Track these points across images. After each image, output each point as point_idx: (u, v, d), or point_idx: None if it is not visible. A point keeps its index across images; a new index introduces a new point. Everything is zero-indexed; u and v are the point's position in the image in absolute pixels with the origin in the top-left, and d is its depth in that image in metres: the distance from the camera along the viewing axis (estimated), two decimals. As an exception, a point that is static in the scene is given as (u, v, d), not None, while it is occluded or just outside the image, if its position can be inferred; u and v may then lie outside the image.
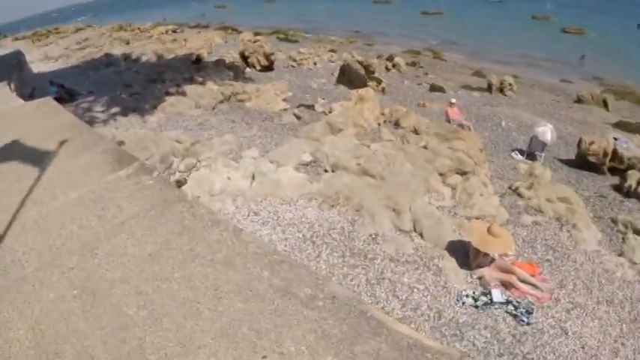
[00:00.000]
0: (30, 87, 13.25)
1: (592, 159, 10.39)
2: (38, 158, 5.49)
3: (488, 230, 5.38)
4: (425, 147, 8.35)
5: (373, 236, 5.83)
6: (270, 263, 3.77)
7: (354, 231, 5.92)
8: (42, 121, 7.13)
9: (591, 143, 10.44)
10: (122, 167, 5.29)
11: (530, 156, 11.09)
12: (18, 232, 4.19)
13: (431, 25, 46.29)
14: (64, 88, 12.89)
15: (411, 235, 6.07)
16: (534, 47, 35.00)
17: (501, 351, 4.29)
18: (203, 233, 4.14)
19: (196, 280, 3.55)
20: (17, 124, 7.07)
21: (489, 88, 19.49)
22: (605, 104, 19.44)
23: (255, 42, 26.01)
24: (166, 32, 36.26)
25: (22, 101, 9.13)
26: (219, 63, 17.61)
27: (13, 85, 11.02)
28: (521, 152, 11.25)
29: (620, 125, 16.05)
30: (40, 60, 25.08)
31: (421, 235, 6.05)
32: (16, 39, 52.26)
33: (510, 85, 19.49)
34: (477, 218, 6.90)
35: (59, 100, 10.20)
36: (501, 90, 19.34)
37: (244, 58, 20.11)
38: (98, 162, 5.32)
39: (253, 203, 6.39)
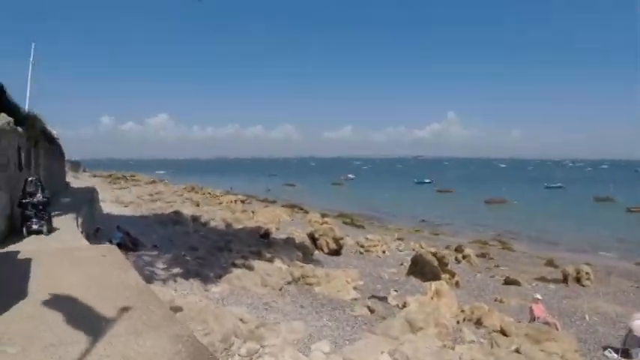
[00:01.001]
0: (96, 226, 13.68)
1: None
2: (91, 322, 4.03)
3: None
4: (517, 351, 8.23)
5: None
6: None
7: None
8: (104, 273, 5.97)
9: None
10: (198, 367, 3.69)
11: (625, 353, 10.60)
12: None
13: (495, 214, 46.99)
14: (130, 236, 13.12)
15: None
16: (602, 231, 34.74)
17: None
18: None
19: None
20: (77, 269, 6.09)
21: (565, 279, 19.29)
22: (688, 282, 18.54)
23: (322, 224, 26.78)
24: (235, 202, 39.21)
25: (85, 242, 8.73)
26: (289, 241, 17.98)
27: (80, 220, 10.89)
28: (615, 350, 10.79)
29: None
30: (111, 202, 26.78)
31: None
32: (94, 176, 58.48)
33: (587, 274, 19.21)
34: None
35: (122, 246, 10.20)
36: (578, 280, 19.06)
37: (313, 239, 20.45)
38: (167, 351, 3.66)
39: (327, 410, 5.86)
